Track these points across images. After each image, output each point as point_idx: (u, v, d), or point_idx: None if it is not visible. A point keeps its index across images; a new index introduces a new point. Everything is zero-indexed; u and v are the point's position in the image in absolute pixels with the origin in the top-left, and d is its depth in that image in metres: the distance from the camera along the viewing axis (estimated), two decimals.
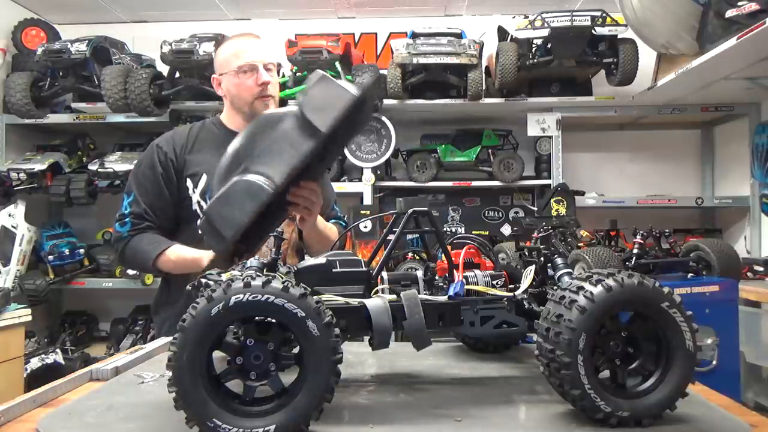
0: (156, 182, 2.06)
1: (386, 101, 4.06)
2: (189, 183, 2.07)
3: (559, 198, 3.89)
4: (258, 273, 1.05)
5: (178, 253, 2.00)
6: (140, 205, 2.05)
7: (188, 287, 1.25)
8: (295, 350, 0.97)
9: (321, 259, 1.23)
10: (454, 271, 1.23)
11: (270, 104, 2.15)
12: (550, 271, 1.22)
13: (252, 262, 1.14)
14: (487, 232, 4.45)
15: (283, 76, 4.18)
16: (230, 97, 2.17)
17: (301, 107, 1.31)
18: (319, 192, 1.64)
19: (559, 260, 1.19)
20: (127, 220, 2.05)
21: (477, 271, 1.27)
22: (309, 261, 1.24)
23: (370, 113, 1.53)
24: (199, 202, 2.07)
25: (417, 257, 2.97)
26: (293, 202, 1.57)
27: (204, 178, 2.07)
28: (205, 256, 1.88)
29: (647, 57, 3.87)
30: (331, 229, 2.14)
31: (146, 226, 2.05)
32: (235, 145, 1.37)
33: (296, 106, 1.33)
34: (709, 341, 2.29)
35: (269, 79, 2.12)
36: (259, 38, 2.22)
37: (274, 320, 0.96)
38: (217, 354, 0.95)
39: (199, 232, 1.19)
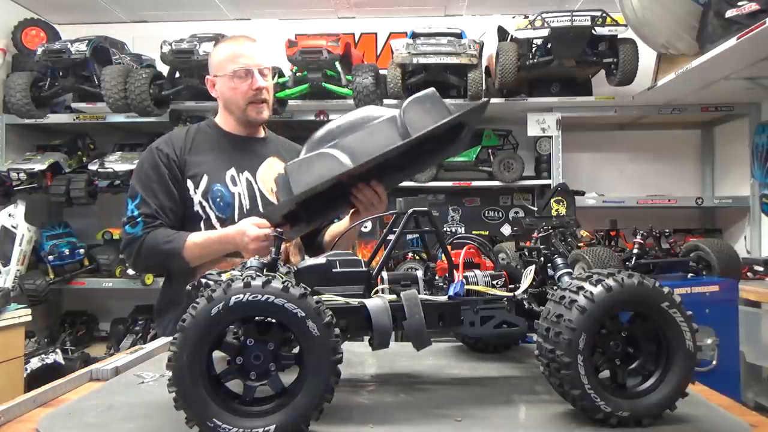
0: (162, 182, 2.05)
1: (386, 101, 4.06)
2: (190, 184, 2.07)
3: (559, 198, 3.89)
4: (258, 273, 1.05)
5: (203, 236, 1.99)
6: (150, 206, 2.02)
7: (188, 287, 1.25)
8: (295, 350, 0.97)
9: (321, 259, 1.23)
10: (454, 271, 1.23)
11: (263, 110, 2.17)
12: (550, 271, 1.22)
13: (252, 262, 1.14)
14: (487, 232, 4.46)
15: (283, 75, 4.18)
16: (224, 100, 2.17)
17: (402, 111, 1.42)
18: (385, 198, 1.71)
19: (559, 260, 1.19)
20: (139, 220, 2.01)
21: (477, 271, 1.27)
22: (309, 261, 1.25)
23: (467, 140, 1.63)
24: (201, 203, 2.06)
25: (417, 257, 2.97)
26: (357, 196, 1.66)
27: (205, 178, 2.07)
28: (231, 230, 1.91)
29: (647, 57, 3.87)
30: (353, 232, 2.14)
31: (159, 224, 2.03)
32: (335, 122, 1.52)
33: (399, 109, 1.43)
34: (709, 341, 2.29)
35: (264, 84, 2.13)
36: (255, 41, 2.21)
37: (274, 320, 0.96)
38: (217, 354, 0.95)
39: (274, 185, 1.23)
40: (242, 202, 2.11)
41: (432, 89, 1.50)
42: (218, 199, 2.08)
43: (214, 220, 2.07)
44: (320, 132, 1.52)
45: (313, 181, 1.39)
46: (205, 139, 2.17)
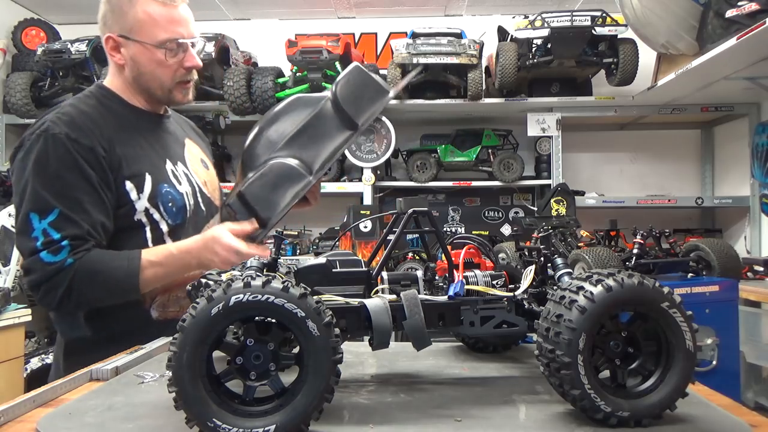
0: (90, 190, 1.54)
1: None
2: (130, 186, 1.61)
3: (559, 198, 3.89)
4: (258, 273, 1.05)
5: (160, 251, 1.56)
6: (77, 224, 1.50)
7: (188, 287, 1.25)
8: (295, 350, 0.97)
9: (321, 259, 1.23)
10: (454, 271, 1.23)
11: (190, 90, 1.79)
12: (550, 271, 1.21)
13: (252, 262, 1.14)
14: (487, 232, 4.46)
15: (283, 75, 4.18)
16: (137, 74, 1.69)
17: (337, 96, 1.35)
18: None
19: (559, 260, 1.19)
20: (63, 244, 1.48)
21: (477, 271, 1.27)
22: (309, 261, 1.24)
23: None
24: (147, 210, 1.64)
25: (417, 257, 2.97)
26: (312, 190, 1.45)
27: (149, 179, 1.64)
28: (196, 242, 1.52)
29: (647, 57, 3.88)
30: None
31: (90, 246, 1.53)
32: (267, 123, 1.37)
33: (330, 93, 1.36)
34: (709, 341, 2.29)
35: (199, 63, 1.74)
36: (186, 1, 1.75)
37: (274, 320, 0.96)
38: (217, 354, 0.95)
39: (221, 216, 1.14)
40: (189, 203, 1.74)
41: (355, 64, 1.42)
42: (170, 204, 1.68)
43: (164, 230, 1.67)
44: (254, 139, 1.35)
45: (281, 200, 1.30)
46: (119, 121, 1.67)
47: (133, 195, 1.62)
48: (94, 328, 1.67)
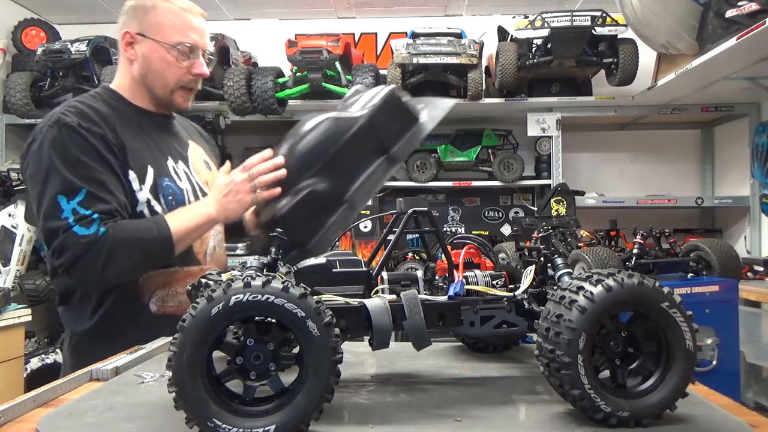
0: (108, 173, 1.60)
1: None
2: (133, 176, 1.66)
3: (559, 198, 3.89)
4: (258, 273, 1.05)
5: (178, 213, 1.64)
6: (105, 201, 1.55)
7: (188, 287, 1.25)
8: (295, 350, 0.97)
9: (321, 259, 1.23)
10: (454, 271, 1.23)
11: (190, 98, 1.86)
12: (550, 271, 1.21)
13: (252, 262, 1.14)
14: (487, 232, 4.46)
15: (283, 75, 4.18)
16: (145, 70, 1.75)
17: (373, 125, 1.36)
18: None
19: (559, 260, 1.19)
20: (95, 217, 1.52)
21: (477, 271, 1.27)
22: (309, 261, 1.24)
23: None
24: (148, 201, 1.67)
25: (417, 257, 2.97)
26: None
27: (150, 171, 1.69)
28: (206, 198, 1.68)
29: (647, 57, 3.88)
30: None
31: (119, 219, 1.60)
32: (299, 139, 1.40)
33: (366, 119, 1.37)
34: (709, 341, 2.29)
35: (207, 72, 1.82)
36: (205, 17, 1.85)
37: (274, 320, 0.96)
38: (217, 354, 0.95)
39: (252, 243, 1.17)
40: (189, 199, 1.78)
41: (390, 87, 1.42)
42: (170, 197, 1.72)
43: None
44: (290, 158, 1.40)
45: (318, 228, 1.36)
46: (123, 119, 1.71)
47: (136, 185, 1.66)
48: (96, 321, 1.70)
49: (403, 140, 1.40)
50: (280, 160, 1.49)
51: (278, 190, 1.47)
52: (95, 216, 1.52)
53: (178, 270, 1.75)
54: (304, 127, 1.43)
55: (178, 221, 1.62)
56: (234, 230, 1.98)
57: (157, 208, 1.69)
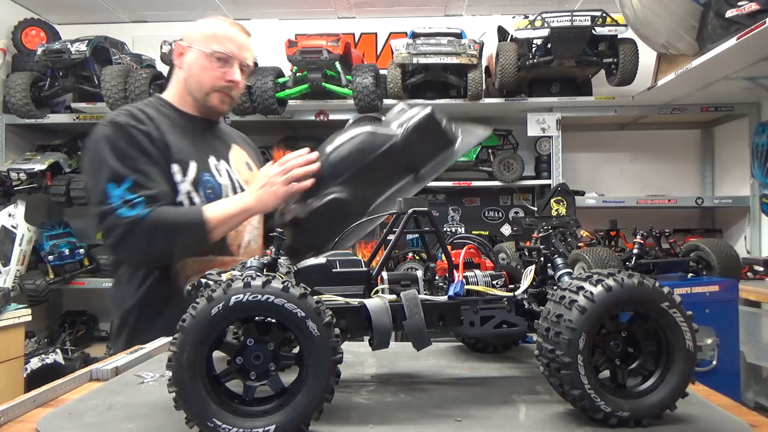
0: (153, 165, 1.78)
1: (386, 101, 4.06)
2: (176, 169, 1.83)
3: (559, 198, 3.89)
4: (258, 273, 1.05)
5: (218, 203, 1.80)
6: (148, 188, 1.73)
7: (188, 287, 1.25)
8: (295, 350, 0.97)
9: (321, 259, 1.23)
10: (454, 271, 1.23)
11: (227, 101, 2.00)
12: (550, 271, 1.22)
13: (252, 262, 1.14)
14: (487, 232, 4.46)
15: (283, 75, 4.18)
16: (188, 75, 1.96)
17: (407, 144, 1.39)
18: None
19: (559, 260, 1.19)
20: (138, 200, 1.69)
21: (477, 271, 1.27)
22: (309, 261, 1.24)
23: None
24: (189, 193, 1.84)
25: (417, 257, 2.97)
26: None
27: (193, 165, 1.86)
28: (245, 192, 1.84)
29: (647, 57, 3.87)
30: None
31: (161, 205, 1.76)
32: (336, 149, 1.49)
33: (401, 138, 1.40)
34: (709, 341, 2.29)
35: (238, 79, 1.96)
36: (250, 36, 2.04)
37: (274, 320, 0.96)
38: (217, 354, 0.95)
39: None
40: (227, 194, 1.93)
41: (430, 108, 1.45)
42: (209, 190, 1.87)
43: None
44: (323, 161, 1.49)
45: (333, 234, 1.40)
46: (169, 122, 1.90)
47: (178, 177, 1.83)
48: (139, 300, 1.86)
49: (433, 162, 1.45)
50: (313, 155, 1.69)
51: (311, 181, 1.65)
52: (139, 200, 1.70)
53: (212, 259, 1.87)
54: (342, 135, 1.49)
55: (215, 209, 1.78)
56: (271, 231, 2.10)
57: (196, 199, 1.85)
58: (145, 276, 1.85)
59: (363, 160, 1.38)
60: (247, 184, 1.98)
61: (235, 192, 1.95)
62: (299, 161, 1.73)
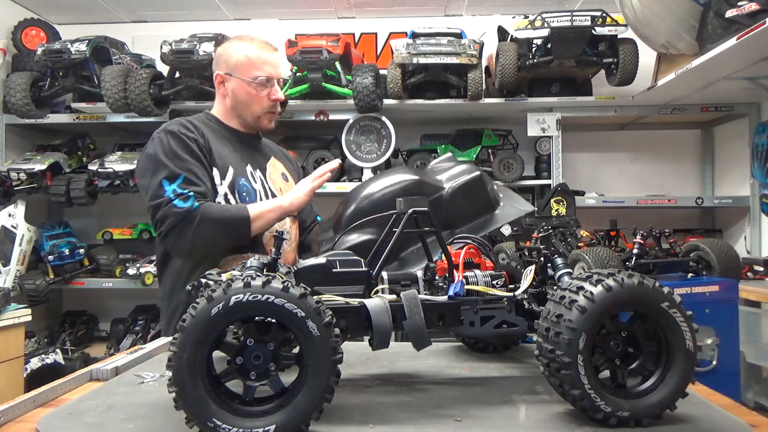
0: (201, 166, 1.97)
1: (386, 101, 4.06)
2: (216, 173, 2.00)
3: (559, 198, 3.89)
4: (258, 273, 1.05)
5: (259, 204, 1.99)
6: (198, 185, 1.91)
7: (188, 287, 1.25)
8: (295, 350, 0.97)
9: (321, 259, 1.23)
10: (454, 271, 1.23)
11: (274, 119, 2.19)
12: (550, 271, 1.22)
13: (252, 262, 1.14)
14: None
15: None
16: (235, 102, 2.13)
17: (452, 200, 1.47)
18: None
19: (559, 260, 1.19)
20: (190, 194, 1.87)
21: (477, 271, 1.27)
22: (309, 261, 1.24)
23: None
24: (226, 195, 2.00)
25: None
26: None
27: (231, 170, 2.03)
28: (284, 201, 2.01)
29: (647, 57, 3.87)
30: None
31: (209, 200, 1.94)
32: (381, 190, 1.54)
33: (448, 193, 1.48)
34: (709, 341, 2.29)
35: (282, 97, 2.14)
36: (277, 50, 2.21)
37: (274, 320, 0.96)
38: (217, 354, 0.95)
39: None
40: (261, 198, 2.10)
41: (479, 172, 1.51)
42: (244, 194, 2.04)
43: None
44: (361, 200, 1.55)
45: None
46: (214, 133, 2.10)
47: (217, 180, 2.00)
48: (186, 297, 1.92)
49: (471, 224, 1.46)
50: (335, 164, 2.09)
51: (333, 166, 2.07)
52: (191, 194, 1.88)
53: (250, 256, 1.90)
54: (391, 176, 1.49)
55: (255, 207, 1.97)
56: (304, 247, 2.30)
57: (232, 201, 2.01)
58: (192, 271, 1.99)
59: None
60: (281, 192, 2.17)
61: (267, 197, 2.12)
62: (324, 169, 2.05)
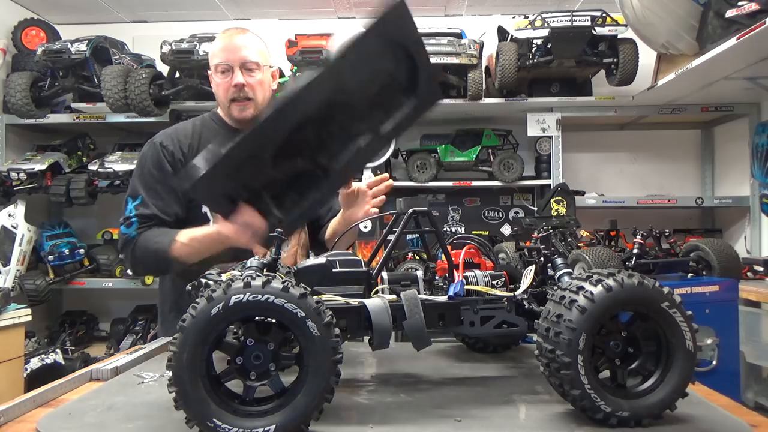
0: (166, 183, 1.92)
1: None
2: None
3: (559, 198, 3.89)
4: (258, 273, 1.05)
5: (188, 235, 1.85)
6: (149, 207, 1.90)
7: (188, 287, 1.25)
8: (295, 350, 0.97)
9: (321, 259, 1.23)
10: (454, 271, 1.23)
11: (247, 107, 2.02)
12: (550, 271, 1.22)
13: (252, 262, 1.14)
14: (487, 232, 4.46)
15: (283, 75, 4.18)
16: (214, 95, 2.10)
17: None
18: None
19: (559, 260, 1.19)
20: (133, 220, 1.89)
21: (477, 271, 1.27)
22: (309, 261, 1.24)
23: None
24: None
25: (417, 257, 2.96)
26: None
27: None
28: (214, 228, 1.78)
29: (647, 57, 3.87)
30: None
31: (153, 225, 1.90)
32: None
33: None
34: (709, 341, 2.29)
35: (241, 80, 1.98)
36: (246, 33, 2.07)
37: (274, 320, 0.96)
38: (217, 354, 0.95)
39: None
40: None
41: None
42: None
43: None
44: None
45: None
46: (212, 135, 2.04)
47: None
48: (174, 297, 2.01)
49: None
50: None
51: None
52: (134, 220, 1.88)
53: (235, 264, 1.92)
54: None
55: (181, 240, 1.82)
56: (316, 240, 2.21)
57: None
58: (186, 272, 1.93)
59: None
60: None
61: None
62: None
